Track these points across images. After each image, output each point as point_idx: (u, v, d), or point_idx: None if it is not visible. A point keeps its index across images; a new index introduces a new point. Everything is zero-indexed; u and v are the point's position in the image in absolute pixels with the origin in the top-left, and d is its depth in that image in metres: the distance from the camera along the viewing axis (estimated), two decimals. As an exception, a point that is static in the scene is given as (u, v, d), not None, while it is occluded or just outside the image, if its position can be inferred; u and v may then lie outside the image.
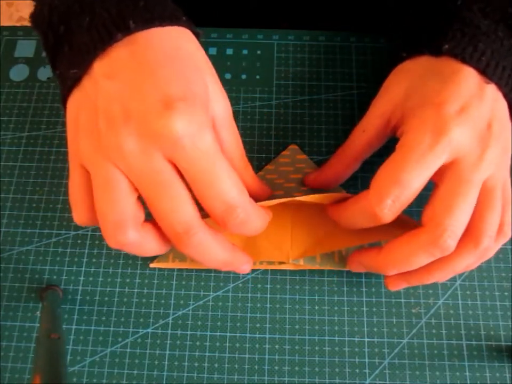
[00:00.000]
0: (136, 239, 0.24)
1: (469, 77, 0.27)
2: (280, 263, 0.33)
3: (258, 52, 0.40)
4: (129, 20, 0.25)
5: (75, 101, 0.27)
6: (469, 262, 0.27)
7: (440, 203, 0.26)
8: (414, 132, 0.26)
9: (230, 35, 0.41)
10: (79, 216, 0.26)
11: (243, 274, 0.33)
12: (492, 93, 0.27)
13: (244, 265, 0.29)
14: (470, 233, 0.26)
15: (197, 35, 0.28)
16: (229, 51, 0.40)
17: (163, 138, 0.23)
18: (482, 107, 0.26)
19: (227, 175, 0.24)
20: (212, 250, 0.26)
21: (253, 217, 0.26)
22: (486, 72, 0.27)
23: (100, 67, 0.25)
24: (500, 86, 0.27)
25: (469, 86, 0.26)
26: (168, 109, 0.23)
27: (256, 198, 0.28)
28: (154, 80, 0.24)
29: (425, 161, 0.25)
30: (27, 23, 0.31)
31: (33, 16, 0.29)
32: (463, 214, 0.25)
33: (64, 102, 0.28)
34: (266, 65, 0.40)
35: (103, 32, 0.25)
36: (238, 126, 0.29)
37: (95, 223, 0.26)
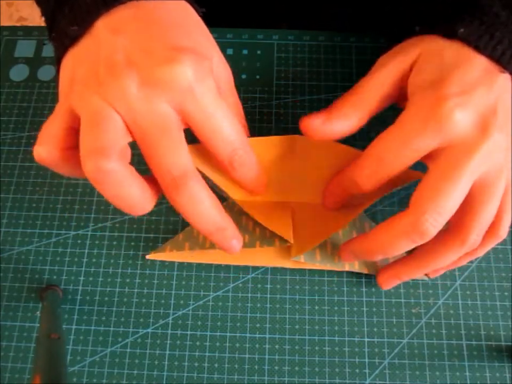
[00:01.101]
0: (118, 170, 0.23)
1: (477, 64, 0.26)
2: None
3: (258, 52, 0.40)
4: None
5: (71, 58, 0.25)
6: (456, 257, 0.27)
7: (427, 187, 0.25)
8: (408, 112, 0.25)
9: (230, 35, 0.41)
10: (42, 148, 0.25)
11: (243, 274, 0.33)
12: (504, 82, 0.26)
13: (233, 239, 0.27)
14: (458, 228, 0.26)
15: (197, 11, 0.28)
16: (229, 51, 0.40)
17: (171, 84, 0.23)
18: (489, 94, 0.25)
19: (233, 119, 0.25)
20: (206, 205, 0.24)
21: (251, 160, 0.27)
22: (501, 61, 0.26)
23: (104, 24, 0.24)
24: None
25: (475, 73, 0.25)
26: (177, 55, 0.23)
27: None
28: (162, 34, 0.24)
29: (410, 145, 0.24)
30: (27, 23, 0.31)
31: None
32: (448, 200, 0.24)
33: (58, 63, 0.26)
34: (266, 65, 0.40)
35: None
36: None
37: (53, 164, 0.25)
